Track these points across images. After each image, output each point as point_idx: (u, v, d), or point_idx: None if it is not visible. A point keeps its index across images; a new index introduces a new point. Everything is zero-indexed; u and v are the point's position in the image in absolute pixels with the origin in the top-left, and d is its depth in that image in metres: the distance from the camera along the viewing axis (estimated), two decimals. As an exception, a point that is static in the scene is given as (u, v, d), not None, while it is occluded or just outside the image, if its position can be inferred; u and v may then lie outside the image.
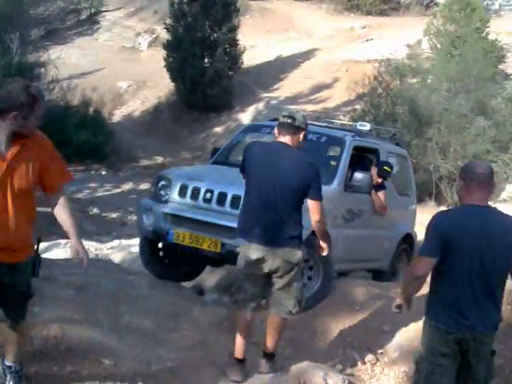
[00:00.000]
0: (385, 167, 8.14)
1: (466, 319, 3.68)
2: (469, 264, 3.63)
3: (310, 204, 5.04)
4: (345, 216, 7.58)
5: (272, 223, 4.97)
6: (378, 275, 8.66)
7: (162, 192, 7.21)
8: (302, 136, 5.16)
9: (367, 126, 8.56)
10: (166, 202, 7.15)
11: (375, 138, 8.90)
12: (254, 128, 8.98)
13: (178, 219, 7.00)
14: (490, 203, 8.22)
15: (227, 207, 6.74)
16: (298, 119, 5.12)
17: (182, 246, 6.90)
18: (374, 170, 8.07)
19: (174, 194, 7.09)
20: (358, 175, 7.63)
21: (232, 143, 8.53)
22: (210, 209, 6.73)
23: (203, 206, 6.85)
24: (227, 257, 6.52)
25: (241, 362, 5.16)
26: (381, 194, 8.09)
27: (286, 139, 5.09)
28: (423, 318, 3.90)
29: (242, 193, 6.22)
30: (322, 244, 5.26)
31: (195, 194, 6.94)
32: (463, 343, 3.71)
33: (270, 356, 5.26)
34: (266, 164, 5.01)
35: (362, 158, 8.20)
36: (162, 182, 7.27)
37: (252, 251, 4.99)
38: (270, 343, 5.24)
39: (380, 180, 8.08)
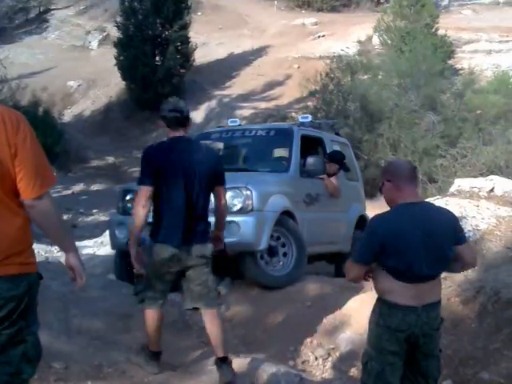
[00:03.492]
0: (338, 157, 8.74)
1: (415, 316, 3.71)
2: (414, 264, 3.65)
3: (219, 190, 5.15)
4: (305, 200, 8.05)
5: (191, 220, 5.00)
6: (340, 263, 8.83)
7: (129, 205, 7.34)
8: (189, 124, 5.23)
9: (308, 118, 9.11)
10: None
11: (317, 128, 9.35)
12: (204, 136, 9.40)
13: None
14: (438, 197, 8.37)
15: None
16: (185, 110, 5.13)
17: None
18: (328, 164, 8.50)
19: None
20: (310, 159, 8.19)
21: None
22: None
23: None
24: None
25: (158, 354, 5.21)
26: (333, 178, 8.54)
27: (180, 132, 5.08)
28: (369, 317, 3.90)
29: None
30: (221, 234, 5.36)
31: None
32: (412, 340, 3.74)
33: (225, 360, 5.13)
34: (179, 162, 4.97)
35: (308, 147, 8.58)
36: (129, 195, 7.43)
37: (166, 250, 4.96)
38: (219, 346, 5.11)
39: (335, 168, 8.56)
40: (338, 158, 8.68)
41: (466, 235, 6.72)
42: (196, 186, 4.98)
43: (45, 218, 3.07)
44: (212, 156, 5.22)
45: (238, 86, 24.82)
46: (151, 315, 5.11)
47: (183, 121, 5.08)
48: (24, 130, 2.99)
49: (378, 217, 3.85)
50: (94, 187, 16.55)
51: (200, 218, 5.05)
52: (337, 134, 10.07)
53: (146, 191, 4.96)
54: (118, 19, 24.38)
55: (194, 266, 5.04)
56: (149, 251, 5.06)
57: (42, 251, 9.46)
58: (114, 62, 24.05)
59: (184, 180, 4.95)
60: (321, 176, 8.39)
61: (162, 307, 5.17)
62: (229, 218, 6.84)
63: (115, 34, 24.97)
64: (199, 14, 30.42)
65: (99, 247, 10.36)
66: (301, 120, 9.04)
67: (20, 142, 2.96)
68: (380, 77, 18.96)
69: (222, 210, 5.27)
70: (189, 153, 5.03)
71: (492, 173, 12.44)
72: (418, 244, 3.65)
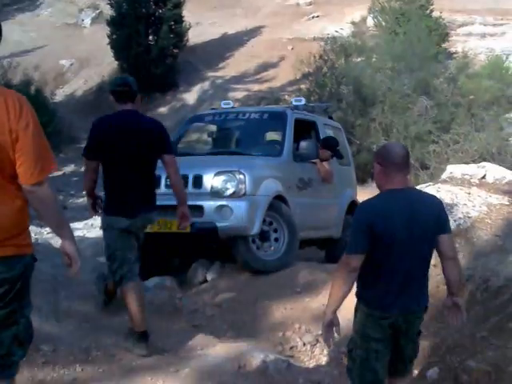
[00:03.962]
0: (331, 143, 8.68)
1: (398, 303, 3.70)
2: (398, 250, 3.63)
3: (166, 159, 5.30)
4: (298, 185, 8.05)
5: (142, 192, 5.24)
6: (331, 249, 8.90)
7: None
8: (139, 98, 5.40)
9: (302, 101, 9.04)
10: None
11: (311, 112, 9.27)
12: (197, 118, 9.50)
13: None
14: (430, 184, 8.36)
15: (190, 188, 6.93)
16: (134, 85, 5.34)
17: (151, 235, 6.87)
18: (321, 151, 8.46)
19: None
20: (303, 143, 8.24)
21: (179, 135, 8.92)
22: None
23: (166, 191, 6.82)
24: (198, 235, 6.86)
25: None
26: (325, 163, 8.52)
27: (128, 106, 5.29)
28: (355, 304, 3.90)
29: (202, 172, 6.95)
30: (184, 210, 5.46)
31: (156, 182, 7.11)
32: (396, 326, 3.75)
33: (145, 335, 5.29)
34: (126, 134, 5.16)
35: (301, 131, 8.56)
36: None
37: (121, 221, 5.18)
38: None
39: (328, 154, 8.51)
40: (331, 145, 8.63)
41: (457, 223, 6.82)
42: (142, 157, 5.17)
43: (42, 204, 3.09)
44: (156, 126, 5.37)
45: (232, 67, 24.66)
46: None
47: (132, 95, 5.29)
48: (27, 115, 2.99)
49: (363, 203, 3.88)
50: (85, 168, 16.46)
51: (148, 188, 5.31)
52: (330, 117, 10.01)
53: (90, 164, 5.28)
54: (112, -4, 24.14)
55: (141, 232, 5.37)
56: (107, 226, 5.29)
57: (32, 233, 9.35)
58: (107, 40, 23.83)
59: (130, 152, 5.12)
60: (313, 160, 8.37)
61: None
62: (221, 202, 6.92)
63: (108, 11, 24.72)
64: (193, -8, 30.16)
65: (89, 229, 10.34)
66: (294, 103, 8.95)
67: (22, 128, 2.96)
68: (374, 60, 18.87)
69: (173, 179, 5.44)
70: (134, 125, 5.21)
71: (484, 159, 12.43)
72: (403, 229, 3.63)
